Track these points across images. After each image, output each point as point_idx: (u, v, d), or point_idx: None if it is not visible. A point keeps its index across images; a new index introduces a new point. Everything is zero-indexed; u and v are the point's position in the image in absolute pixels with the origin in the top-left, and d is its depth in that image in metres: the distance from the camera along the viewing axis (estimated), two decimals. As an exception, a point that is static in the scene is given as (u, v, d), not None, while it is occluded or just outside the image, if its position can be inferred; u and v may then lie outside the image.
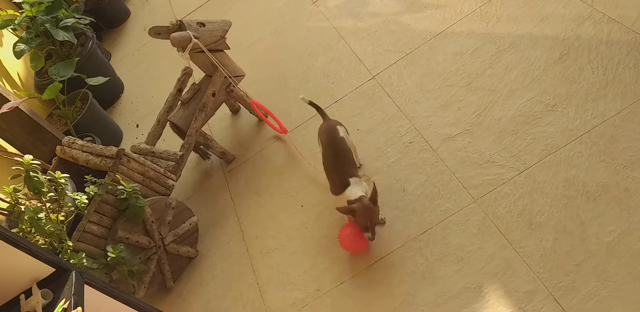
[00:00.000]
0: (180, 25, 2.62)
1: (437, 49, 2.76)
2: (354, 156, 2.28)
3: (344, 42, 3.15)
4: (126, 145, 3.42)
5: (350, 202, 2.07)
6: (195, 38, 2.59)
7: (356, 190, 2.09)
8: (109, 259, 2.10)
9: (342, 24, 3.26)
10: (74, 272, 1.52)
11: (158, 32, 2.66)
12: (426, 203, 2.21)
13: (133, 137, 3.48)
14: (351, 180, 2.12)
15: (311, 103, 2.46)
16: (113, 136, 3.44)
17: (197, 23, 2.67)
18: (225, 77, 2.76)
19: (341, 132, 2.26)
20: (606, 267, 1.75)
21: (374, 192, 2.05)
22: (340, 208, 2.06)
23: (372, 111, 2.70)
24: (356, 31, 3.16)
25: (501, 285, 1.87)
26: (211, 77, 2.79)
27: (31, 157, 1.87)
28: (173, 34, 2.53)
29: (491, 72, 2.50)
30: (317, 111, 2.46)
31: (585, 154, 2.04)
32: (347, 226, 2.14)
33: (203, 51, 2.65)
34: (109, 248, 2.13)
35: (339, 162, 2.18)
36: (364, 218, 2.02)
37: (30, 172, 1.86)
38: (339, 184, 2.14)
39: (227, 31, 2.79)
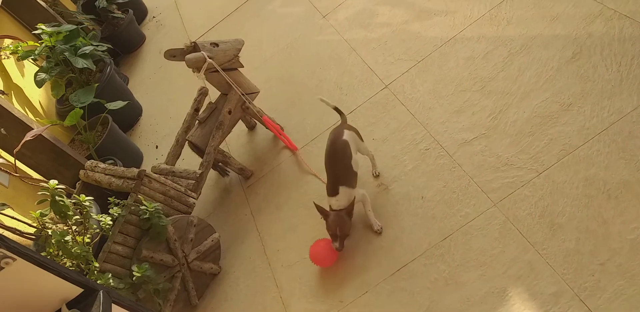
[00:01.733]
0: (194, 47, 2.69)
1: (448, 55, 2.77)
2: (353, 163, 2.25)
3: (355, 53, 3.18)
4: (147, 166, 3.49)
5: (330, 209, 2.19)
6: (209, 58, 2.65)
7: (341, 201, 2.17)
8: (134, 278, 2.14)
9: (352, 36, 3.30)
10: (101, 291, 1.56)
11: (173, 55, 2.73)
12: (445, 209, 2.20)
13: (153, 158, 3.56)
14: (340, 189, 2.18)
15: (336, 108, 2.48)
16: (134, 158, 3.52)
17: (211, 43, 2.73)
18: (240, 95, 2.81)
19: (346, 135, 2.27)
20: (631, 265, 1.71)
21: (351, 204, 2.16)
22: (318, 207, 2.19)
23: (386, 120, 2.71)
24: (367, 42, 3.19)
25: (525, 288, 1.84)
26: (227, 95, 2.84)
27: (56, 182, 1.93)
28: (187, 56, 2.60)
29: (504, 75, 2.50)
30: (340, 116, 2.48)
31: (604, 151, 2.01)
32: (318, 242, 2.28)
33: (217, 71, 2.71)
34: (134, 267, 2.17)
35: (334, 165, 2.23)
36: (335, 227, 2.16)
37: (56, 197, 1.92)
38: (330, 189, 2.21)
39: (240, 50, 2.85)
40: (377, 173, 2.48)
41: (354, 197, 2.19)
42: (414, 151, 2.49)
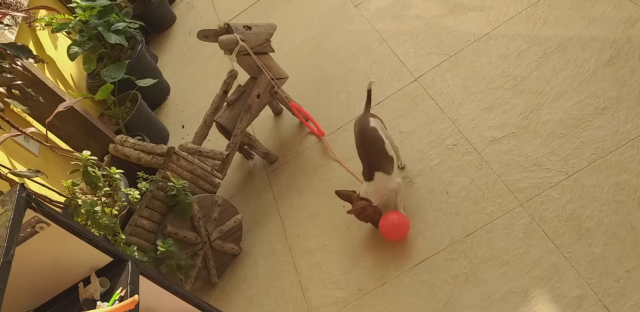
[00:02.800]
0: (227, 29, 2.70)
1: (481, 52, 2.75)
2: (387, 148, 2.28)
3: (385, 44, 3.17)
4: (173, 145, 3.51)
5: (359, 197, 2.22)
6: (242, 41, 2.65)
7: (376, 186, 2.21)
8: (158, 252, 2.17)
9: (384, 27, 3.28)
10: (130, 262, 1.59)
11: (206, 35, 2.74)
12: (470, 206, 2.20)
13: (179, 137, 3.59)
14: (376, 175, 2.20)
15: (369, 92, 2.46)
16: (160, 136, 3.55)
17: (244, 26, 2.74)
18: (270, 79, 2.82)
19: (372, 122, 2.30)
20: (659, 274, 1.71)
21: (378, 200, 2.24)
22: (341, 194, 2.27)
23: (414, 113, 2.70)
24: (398, 34, 3.17)
25: (548, 290, 1.84)
26: (256, 79, 2.85)
27: (89, 152, 1.96)
28: (221, 37, 2.61)
29: (538, 74, 2.47)
30: (366, 101, 2.45)
31: (637, 158, 1.99)
32: (388, 215, 2.24)
33: (249, 54, 2.71)
34: (158, 242, 2.21)
35: (368, 151, 2.24)
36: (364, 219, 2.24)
37: (88, 167, 1.95)
38: (366, 174, 2.23)
39: (272, 34, 2.86)
40: (402, 165, 2.49)
41: (386, 191, 2.24)
42: (441, 146, 2.48)
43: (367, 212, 2.21)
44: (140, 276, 1.62)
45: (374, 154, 2.23)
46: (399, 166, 2.50)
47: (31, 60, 2.16)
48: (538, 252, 1.94)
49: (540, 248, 1.95)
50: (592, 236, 1.88)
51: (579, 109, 2.25)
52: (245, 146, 2.99)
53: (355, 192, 2.27)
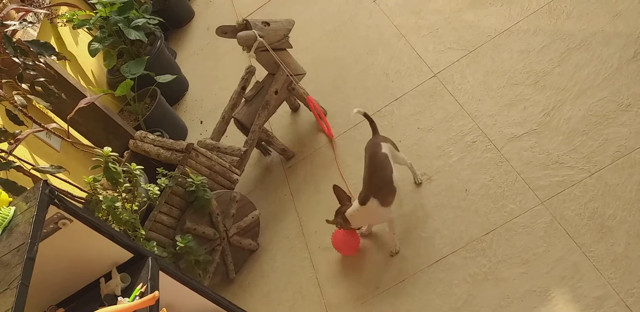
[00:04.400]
0: (246, 25, 2.70)
1: (502, 47, 2.71)
2: (393, 179, 2.18)
3: (404, 40, 3.14)
4: (191, 140, 3.54)
5: (343, 213, 2.20)
6: (260, 37, 2.65)
7: (363, 213, 2.15)
8: (177, 248, 2.20)
9: (402, 21, 3.25)
10: (150, 258, 1.61)
11: (225, 32, 2.75)
12: (490, 204, 2.18)
13: (197, 133, 3.61)
14: (370, 202, 2.11)
15: (366, 115, 2.32)
16: (179, 132, 3.58)
17: (262, 22, 2.74)
18: (287, 75, 2.82)
19: (384, 148, 2.20)
20: (684, 275, 1.67)
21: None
22: (337, 190, 2.23)
23: (433, 109, 2.68)
24: (417, 29, 3.13)
25: (569, 289, 1.82)
26: (274, 75, 2.85)
27: (110, 149, 1.99)
28: (240, 33, 2.61)
29: (560, 70, 2.43)
30: (370, 125, 2.31)
31: (663, 156, 1.95)
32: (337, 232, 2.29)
33: (267, 50, 2.71)
34: (177, 238, 2.23)
35: (372, 177, 2.15)
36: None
37: (109, 163, 1.97)
38: (362, 197, 2.14)
39: (290, 30, 2.85)
40: (419, 180, 2.40)
41: (375, 222, 2.26)
42: (460, 143, 2.46)
43: (339, 232, 2.25)
44: (160, 271, 1.64)
45: (378, 181, 2.13)
46: (415, 182, 2.41)
47: (54, 57, 2.18)
48: (559, 251, 1.92)
49: (561, 247, 1.92)
50: (615, 235, 1.85)
51: (602, 105, 2.21)
52: (263, 142, 3.00)
53: (350, 200, 2.20)
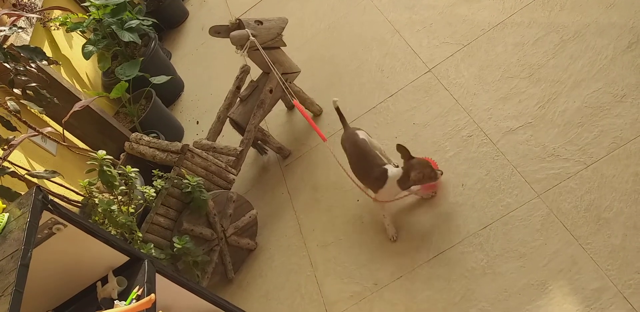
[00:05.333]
0: (239, 24, 2.69)
1: (496, 40, 2.69)
2: (382, 157, 2.27)
3: (398, 35, 3.12)
4: (187, 141, 3.55)
5: (402, 179, 2.10)
6: (253, 36, 2.64)
7: (392, 170, 2.14)
8: (175, 249, 2.20)
9: (396, 17, 3.24)
10: (146, 261, 1.61)
11: (218, 31, 2.74)
12: (486, 198, 2.18)
13: (194, 133, 3.61)
14: (387, 166, 2.16)
15: (337, 110, 2.40)
16: (175, 133, 3.58)
17: (255, 21, 2.73)
18: (280, 76, 2.81)
19: (361, 135, 2.29)
20: (681, 266, 1.67)
21: (404, 151, 2.11)
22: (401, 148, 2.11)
23: (428, 105, 2.67)
24: (411, 24, 3.12)
25: (567, 282, 1.81)
26: (268, 74, 2.84)
27: (104, 152, 1.99)
28: (232, 33, 2.60)
29: (554, 62, 2.42)
30: (340, 119, 2.41)
31: (658, 146, 1.94)
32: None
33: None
34: (175, 239, 2.23)
35: (367, 160, 2.20)
36: (425, 173, 2.08)
37: (104, 167, 1.97)
38: (379, 178, 2.15)
39: (283, 28, 2.84)
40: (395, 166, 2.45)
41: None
42: (456, 137, 2.45)
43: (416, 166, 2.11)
44: (156, 274, 1.65)
45: (375, 161, 2.21)
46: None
47: (45, 62, 2.18)
48: (556, 244, 1.91)
49: (559, 240, 1.92)
50: (612, 227, 1.85)
51: (597, 97, 2.20)
52: (259, 141, 3.00)
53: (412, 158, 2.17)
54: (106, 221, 2.02)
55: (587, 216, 1.91)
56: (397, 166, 2.22)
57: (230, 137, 3.16)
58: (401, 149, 2.13)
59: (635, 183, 1.90)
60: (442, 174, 2.15)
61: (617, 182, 1.93)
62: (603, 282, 1.76)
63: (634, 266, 1.73)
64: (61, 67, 3.38)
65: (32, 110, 2.59)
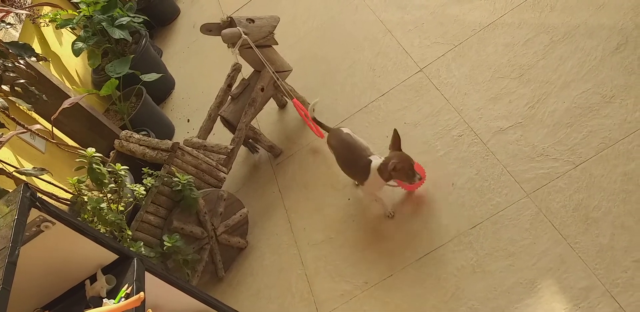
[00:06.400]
0: (230, 22, 2.68)
1: (487, 41, 2.71)
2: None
3: (390, 35, 3.13)
4: (178, 139, 3.53)
5: (382, 168, 2.12)
6: (245, 34, 2.64)
7: (376, 160, 2.17)
8: (165, 248, 2.19)
9: (388, 17, 3.24)
10: (135, 259, 1.60)
11: (209, 29, 2.73)
12: (476, 197, 2.19)
13: (184, 131, 3.59)
14: (372, 158, 2.19)
15: (314, 119, 2.53)
16: (166, 131, 3.56)
17: (247, 19, 2.72)
18: (271, 73, 2.80)
19: (345, 130, 2.35)
20: (668, 264, 1.69)
21: (397, 139, 2.15)
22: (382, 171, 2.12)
23: (419, 104, 2.68)
24: (403, 24, 3.13)
25: (555, 281, 1.83)
26: (260, 72, 2.84)
27: (94, 150, 1.97)
28: (224, 31, 2.59)
29: (544, 63, 2.44)
30: (319, 125, 2.53)
31: (646, 147, 1.96)
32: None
33: (252, 47, 2.69)
34: (165, 237, 2.22)
35: (353, 153, 2.25)
36: (404, 166, 2.09)
37: (93, 164, 1.96)
38: (364, 168, 2.18)
39: (275, 27, 2.83)
40: None
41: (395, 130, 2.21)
42: (447, 137, 2.46)
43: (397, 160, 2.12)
44: (146, 272, 1.64)
45: (362, 152, 2.25)
46: None
47: (33, 58, 2.16)
48: (545, 243, 1.93)
49: (547, 239, 1.94)
50: (600, 226, 1.87)
51: (586, 97, 2.22)
52: (250, 140, 2.99)
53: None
54: (95, 219, 2.01)
55: (576, 216, 1.93)
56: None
57: (221, 136, 3.15)
58: (395, 136, 2.16)
59: (623, 183, 1.92)
60: (420, 179, 2.15)
61: (606, 182, 1.95)
62: (591, 281, 1.77)
63: (621, 265, 1.75)
64: (50, 64, 3.35)
65: (21, 107, 2.57)
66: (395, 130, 2.18)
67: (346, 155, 2.30)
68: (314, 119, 2.54)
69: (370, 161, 2.19)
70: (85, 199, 2.00)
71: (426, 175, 2.31)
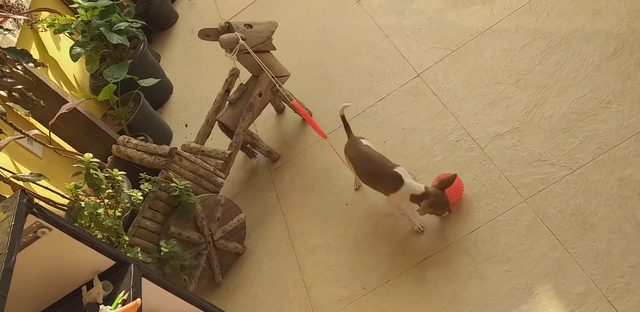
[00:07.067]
0: (228, 27, 2.69)
1: (484, 46, 2.72)
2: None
3: (388, 40, 3.14)
4: (176, 144, 3.53)
5: (416, 196, 2.08)
6: (243, 39, 2.64)
7: (413, 181, 2.11)
8: (162, 253, 2.19)
9: (386, 22, 3.26)
10: (132, 265, 1.60)
11: (207, 34, 2.73)
12: (473, 202, 2.19)
13: (182, 136, 3.59)
14: (398, 170, 2.13)
15: (343, 118, 2.40)
16: (163, 136, 3.56)
17: (245, 25, 2.73)
18: (271, 77, 2.81)
19: (364, 142, 2.32)
20: (664, 270, 1.69)
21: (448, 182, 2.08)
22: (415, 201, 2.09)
23: (417, 109, 2.69)
24: (400, 29, 3.14)
25: (552, 286, 1.83)
26: (258, 77, 2.84)
27: (91, 155, 1.97)
28: (222, 36, 2.60)
29: (541, 68, 2.45)
30: (345, 127, 2.41)
31: (642, 152, 1.97)
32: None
33: (249, 52, 2.70)
34: (162, 243, 2.22)
35: (376, 163, 2.19)
36: (441, 204, 2.09)
37: (91, 170, 1.96)
38: (391, 181, 2.12)
39: (273, 32, 2.84)
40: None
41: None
42: (444, 142, 2.47)
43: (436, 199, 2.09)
44: (143, 278, 1.63)
45: (385, 162, 2.19)
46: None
47: (31, 64, 2.16)
48: (542, 249, 1.93)
49: (544, 244, 1.94)
50: (597, 232, 1.87)
51: (583, 103, 2.23)
52: (248, 145, 2.99)
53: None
54: (92, 225, 2.00)
55: (573, 221, 1.93)
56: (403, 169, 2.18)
57: (219, 141, 3.16)
58: (448, 179, 2.08)
59: (620, 188, 1.92)
60: (449, 213, 2.14)
61: (602, 187, 1.96)
62: (588, 286, 1.77)
63: (618, 270, 1.76)
64: (48, 69, 3.35)
65: (19, 112, 2.57)
66: (454, 175, 2.09)
67: (368, 166, 2.22)
68: (342, 118, 2.39)
69: (400, 175, 2.11)
70: (83, 205, 2.00)
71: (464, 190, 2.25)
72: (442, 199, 2.08)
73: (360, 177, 2.32)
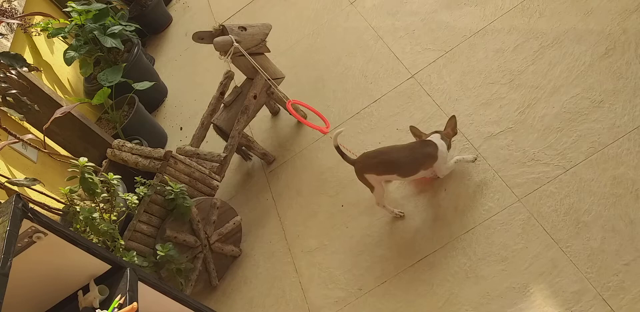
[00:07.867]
0: (222, 30, 2.69)
1: (477, 47, 2.73)
2: None
3: (382, 41, 3.15)
4: (171, 147, 3.53)
5: (443, 135, 2.25)
6: (237, 42, 2.65)
7: (433, 137, 2.23)
8: (158, 257, 2.18)
9: (379, 23, 3.27)
10: (128, 269, 1.60)
11: (201, 37, 2.74)
12: (468, 202, 2.20)
13: (177, 139, 3.59)
14: (414, 142, 2.24)
15: (337, 149, 2.21)
16: (158, 139, 3.56)
17: (239, 27, 2.73)
18: (266, 79, 2.81)
19: (369, 151, 2.27)
20: (658, 268, 1.70)
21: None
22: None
23: (411, 110, 2.69)
24: (394, 30, 3.15)
25: (547, 285, 1.84)
26: (252, 80, 2.85)
27: (86, 159, 1.97)
28: (216, 39, 2.60)
29: (534, 68, 2.46)
30: (342, 157, 2.23)
31: (634, 151, 1.98)
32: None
33: (244, 55, 2.70)
34: (158, 247, 2.22)
35: (403, 146, 2.24)
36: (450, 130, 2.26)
37: (85, 174, 1.95)
38: (428, 149, 2.20)
39: (267, 34, 2.85)
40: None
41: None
42: (439, 143, 2.47)
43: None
44: (139, 282, 1.63)
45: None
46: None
47: (25, 68, 2.16)
48: (537, 248, 1.94)
49: (539, 243, 1.95)
50: (590, 230, 1.88)
51: (575, 102, 2.24)
52: (243, 147, 2.99)
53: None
54: (88, 229, 2.00)
55: (567, 220, 1.95)
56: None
57: (214, 143, 3.16)
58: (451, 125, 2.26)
59: (613, 187, 1.94)
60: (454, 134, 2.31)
61: (596, 186, 1.97)
62: (583, 284, 1.78)
63: (612, 268, 1.77)
64: (42, 73, 3.35)
65: (13, 117, 2.57)
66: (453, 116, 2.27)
67: (400, 154, 2.17)
68: (337, 148, 2.22)
69: (425, 142, 2.21)
70: (78, 209, 2.00)
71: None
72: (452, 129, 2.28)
73: (402, 172, 2.16)
